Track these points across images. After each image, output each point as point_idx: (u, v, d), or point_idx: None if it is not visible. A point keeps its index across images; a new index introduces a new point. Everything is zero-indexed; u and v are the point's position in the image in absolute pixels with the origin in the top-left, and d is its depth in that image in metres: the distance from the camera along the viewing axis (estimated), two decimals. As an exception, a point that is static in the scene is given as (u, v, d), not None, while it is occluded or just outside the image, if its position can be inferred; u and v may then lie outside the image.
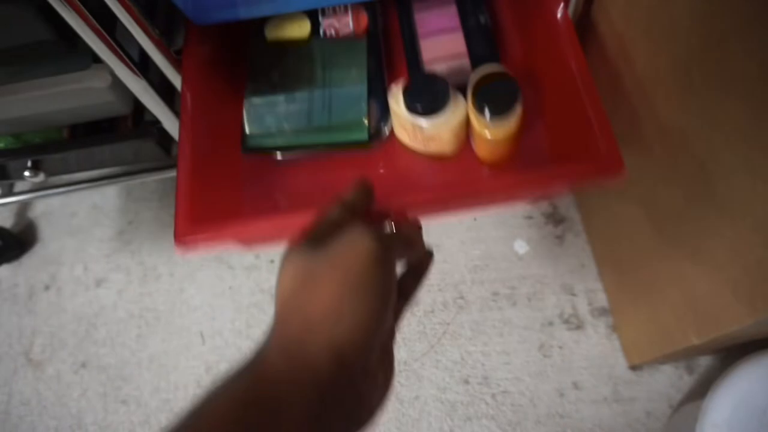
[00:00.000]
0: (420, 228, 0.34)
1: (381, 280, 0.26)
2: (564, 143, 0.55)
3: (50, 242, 1.00)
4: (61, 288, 0.96)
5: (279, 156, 0.60)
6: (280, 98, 0.61)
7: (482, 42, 0.61)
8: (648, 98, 0.58)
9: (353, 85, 0.60)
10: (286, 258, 0.28)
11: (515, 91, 0.49)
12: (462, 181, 0.57)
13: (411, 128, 0.53)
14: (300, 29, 0.64)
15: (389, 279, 0.27)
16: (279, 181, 0.61)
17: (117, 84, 0.65)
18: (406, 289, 0.33)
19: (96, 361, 0.90)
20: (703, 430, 0.54)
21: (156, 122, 0.73)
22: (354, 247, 0.26)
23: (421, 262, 0.34)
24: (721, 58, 0.45)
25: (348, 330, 0.25)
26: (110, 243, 0.99)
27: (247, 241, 0.58)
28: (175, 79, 0.65)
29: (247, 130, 0.61)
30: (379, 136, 0.59)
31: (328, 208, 0.31)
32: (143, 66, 0.66)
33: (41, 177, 0.80)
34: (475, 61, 0.59)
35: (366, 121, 0.57)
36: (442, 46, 0.61)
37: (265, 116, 0.61)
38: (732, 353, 0.70)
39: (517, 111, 0.50)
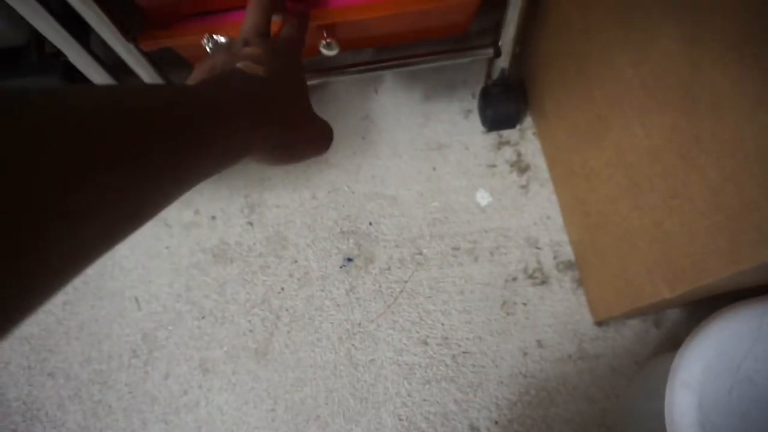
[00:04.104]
0: None
1: None
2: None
3: (-40, 201, 0.89)
4: (-26, 252, 0.86)
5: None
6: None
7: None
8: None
9: None
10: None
11: None
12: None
13: None
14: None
15: None
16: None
17: (1, 4, 0.54)
18: None
19: (17, 331, 0.81)
20: (674, 389, 0.49)
21: (59, 54, 0.63)
22: None
23: None
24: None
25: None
26: (30, 201, 0.88)
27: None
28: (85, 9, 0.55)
29: None
30: None
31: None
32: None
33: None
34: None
35: None
36: None
37: None
38: (702, 305, 0.66)
39: None
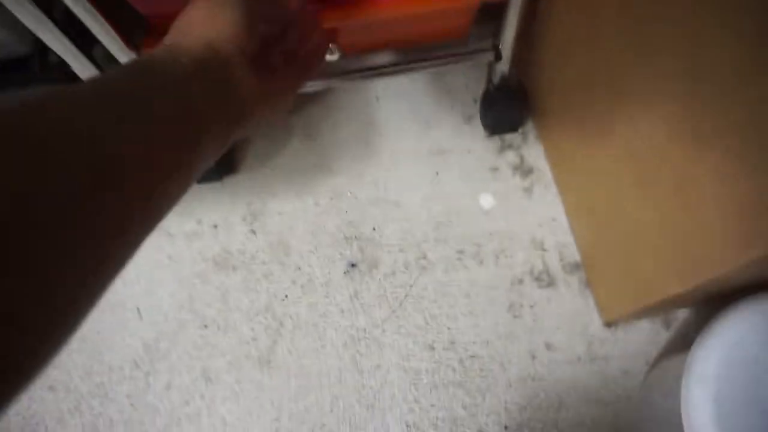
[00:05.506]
0: None
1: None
2: None
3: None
4: (-26, 265, 0.85)
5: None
6: None
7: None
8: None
9: None
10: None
11: None
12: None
13: None
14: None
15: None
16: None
17: (1, 12, 0.55)
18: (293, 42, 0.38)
19: (17, 344, 0.80)
20: (689, 383, 0.48)
21: (63, 64, 0.63)
22: None
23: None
24: None
25: (215, 28, 0.31)
26: (31, 213, 0.87)
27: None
28: (81, 10, 0.55)
29: None
30: None
31: None
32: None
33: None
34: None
35: None
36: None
37: None
38: (711, 305, 0.66)
39: None
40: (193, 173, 0.27)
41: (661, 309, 0.71)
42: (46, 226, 0.18)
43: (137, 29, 0.64)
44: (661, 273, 0.56)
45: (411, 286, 0.77)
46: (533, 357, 0.72)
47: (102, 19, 0.57)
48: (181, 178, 0.26)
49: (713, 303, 0.59)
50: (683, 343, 0.70)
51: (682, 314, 0.72)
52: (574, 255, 0.76)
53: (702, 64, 0.43)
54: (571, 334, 0.72)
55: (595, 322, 0.73)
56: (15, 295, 0.17)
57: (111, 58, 0.64)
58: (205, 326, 0.78)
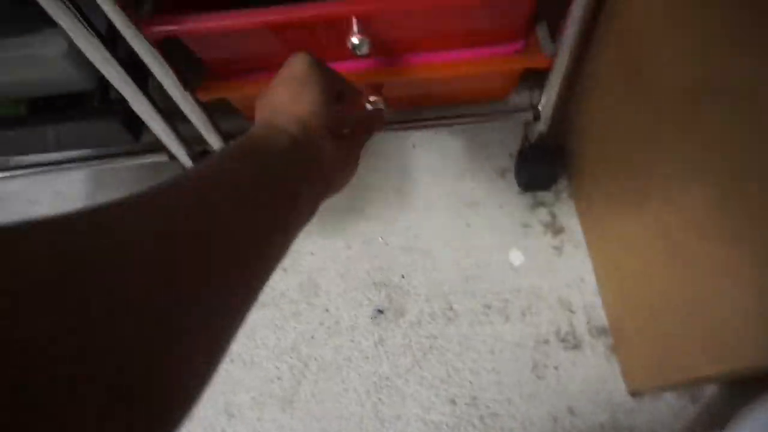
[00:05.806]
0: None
1: (318, 77, 0.38)
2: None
3: (8, 230, 0.92)
4: (16, 280, 0.88)
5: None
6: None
7: None
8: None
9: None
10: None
11: None
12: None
13: None
14: None
15: (324, 77, 0.38)
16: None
17: (74, 53, 0.58)
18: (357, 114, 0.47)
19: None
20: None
21: (122, 100, 0.66)
22: (294, 62, 0.39)
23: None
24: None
25: (303, 107, 0.36)
26: (73, 234, 0.91)
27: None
28: (145, 54, 0.59)
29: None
30: None
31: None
32: (109, 38, 0.59)
33: (-6, 157, 0.73)
34: None
35: None
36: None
37: None
38: (742, 383, 0.65)
39: None
40: (287, 244, 0.30)
41: (690, 383, 0.70)
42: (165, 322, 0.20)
43: (193, 72, 0.68)
44: (691, 352, 0.56)
45: (436, 337, 0.77)
46: (555, 420, 0.71)
47: (164, 62, 0.61)
48: (275, 252, 0.29)
49: (744, 382, 0.58)
50: (710, 421, 0.69)
51: (710, 390, 0.71)
52: (601, 318, 0.76)
53: (749, 146, 0.44)
54: (595, 400, 0.72)
55: (620, 389, 0.72)
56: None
57: (162, 92, 0.67)
58: (231, 360, 0.79)
